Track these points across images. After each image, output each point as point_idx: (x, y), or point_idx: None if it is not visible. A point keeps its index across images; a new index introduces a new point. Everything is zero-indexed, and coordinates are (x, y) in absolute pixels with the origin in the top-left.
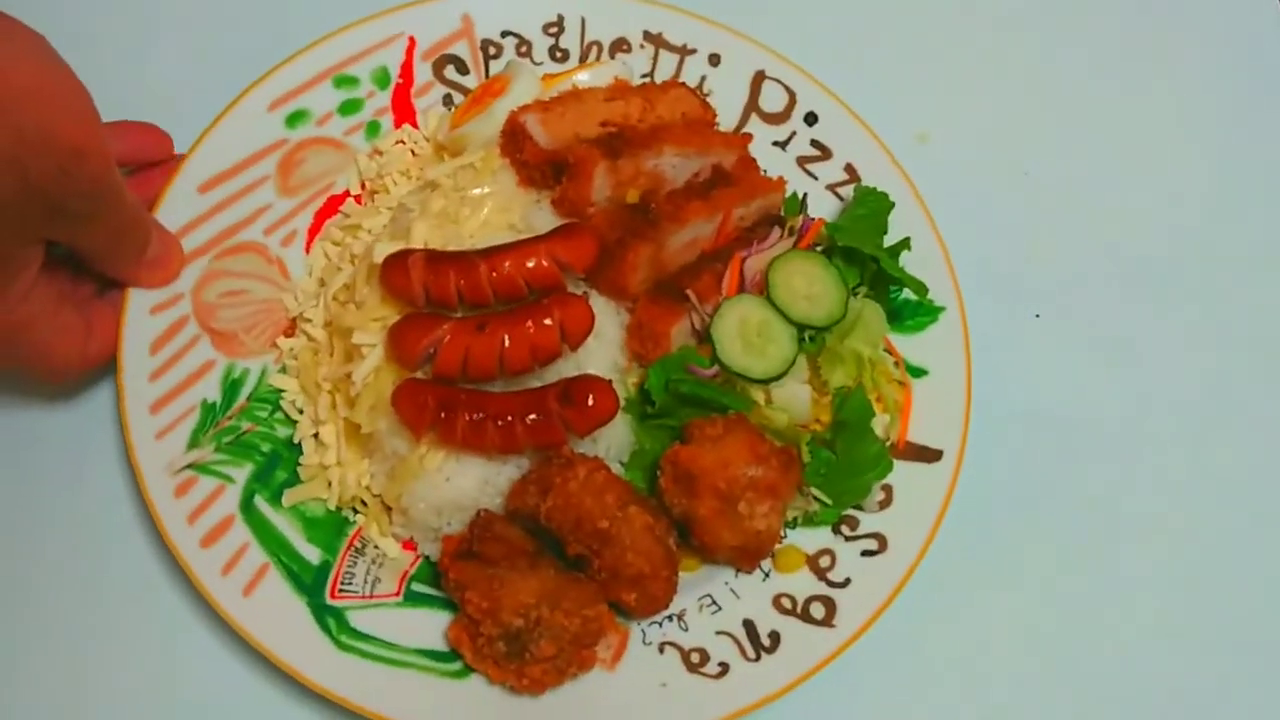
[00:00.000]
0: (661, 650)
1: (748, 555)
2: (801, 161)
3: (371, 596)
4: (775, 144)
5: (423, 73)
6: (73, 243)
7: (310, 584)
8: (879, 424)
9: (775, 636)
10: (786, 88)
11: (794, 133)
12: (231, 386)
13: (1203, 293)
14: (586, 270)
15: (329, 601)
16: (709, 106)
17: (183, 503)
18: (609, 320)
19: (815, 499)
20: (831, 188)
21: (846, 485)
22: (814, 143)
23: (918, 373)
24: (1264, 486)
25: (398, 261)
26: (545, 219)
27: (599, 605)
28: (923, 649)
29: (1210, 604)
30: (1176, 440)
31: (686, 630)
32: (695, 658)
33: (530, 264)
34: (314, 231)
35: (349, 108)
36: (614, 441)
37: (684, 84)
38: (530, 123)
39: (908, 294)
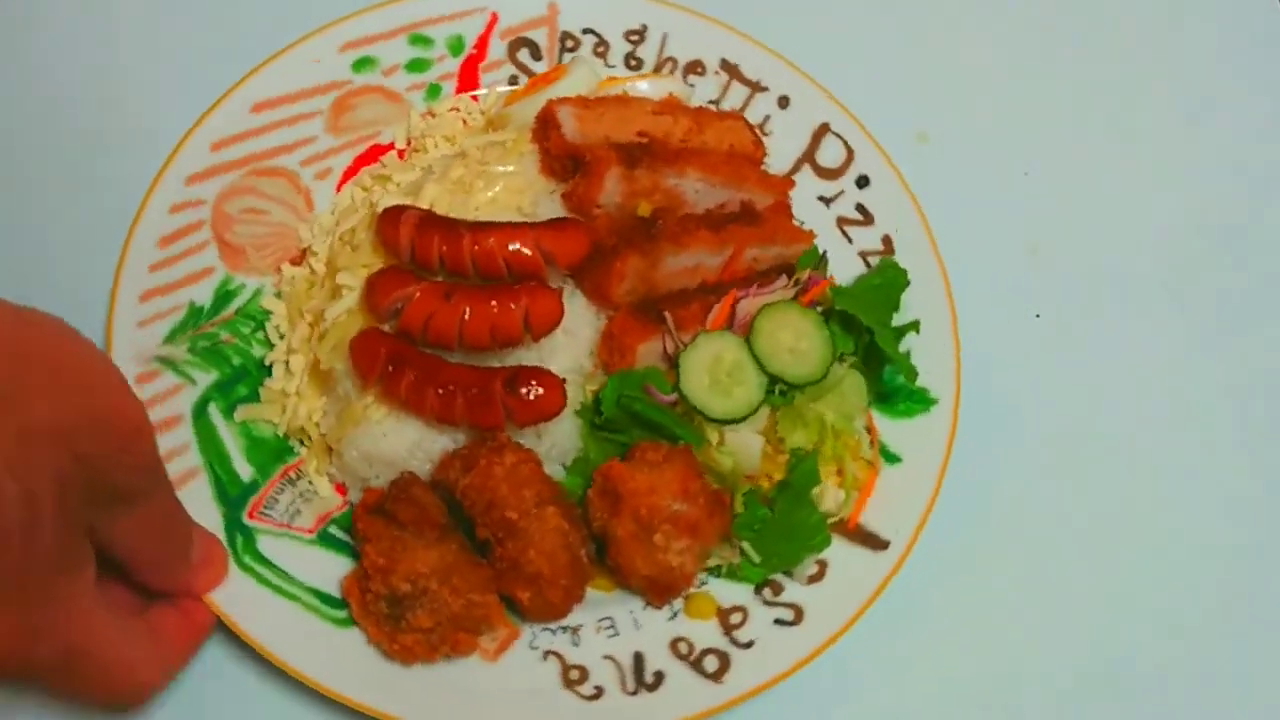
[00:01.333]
0: (545, 658)
1: (658, 588)
2: (841, 222)
3: (287, 526)
4: (821, 199)
5: (496, 49)
6: (122, 538)
7: (233, 497)
8: (835, 498)
9: (660, 677)
10: (847, 145)
11: (842, 191)
12: (224, 296)
13: (1204, 293)
14: (571, 267)
15: (245, 519)
16: (761, 145)
17: (140, 390)
18: (586, 323)
19: (743, 553)
20: (864, 255)
21: (778, 548)
22: (859, 206)
23: (892, 458)
24: (1268, 487)
25: (393, 215)
26: (553, 209)
27: (489, 594)
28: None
29: (1213, 606)
30: (1177, 441)
31: (577, 646)
32: (574, 674)
33: (513, 246)
34: (349, 174)
35: (417, 66)
36: (560, 442)
37: (741, 117)
38: (563, 114)
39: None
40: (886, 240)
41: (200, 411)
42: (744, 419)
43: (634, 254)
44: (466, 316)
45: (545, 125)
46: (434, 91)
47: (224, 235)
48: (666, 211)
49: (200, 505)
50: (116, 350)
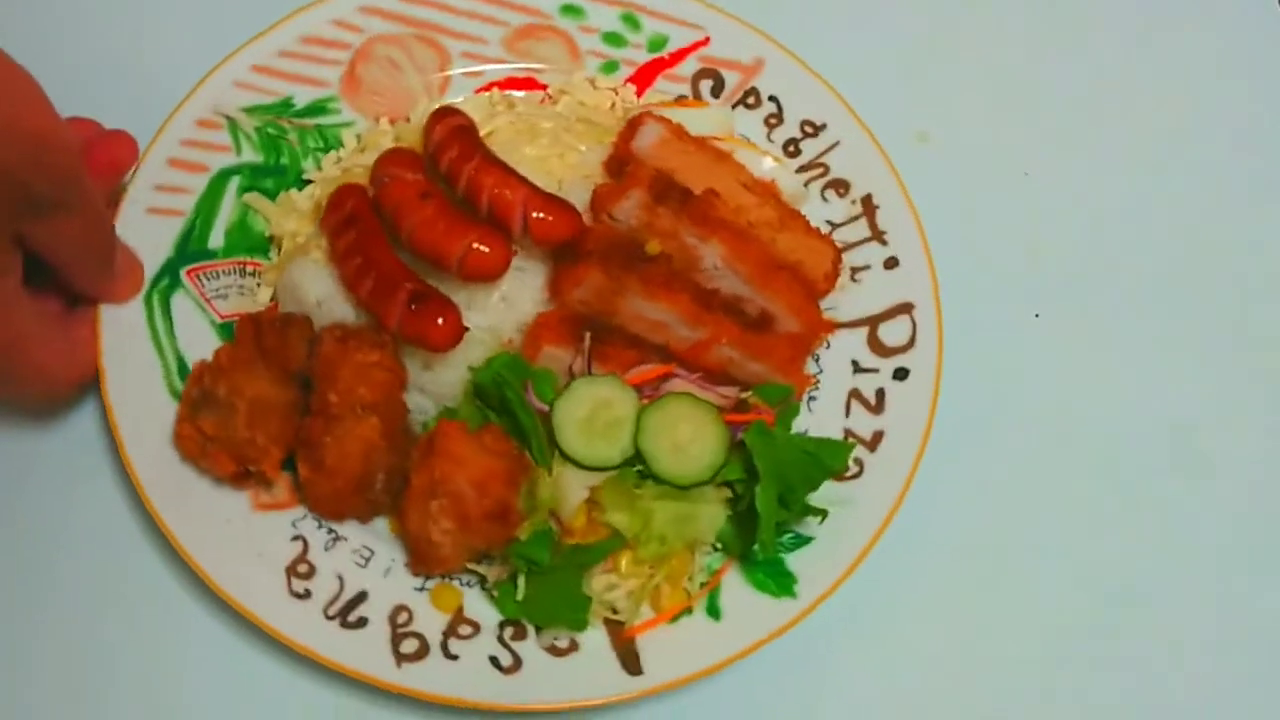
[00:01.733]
0: (293, 539)
1: (414, 554)
2: (854, 396)
3: (207, 300)
4: (854, 363)
5: (687, 67)
6: (46, 243)
7: (188, 252)
8: (622, 599)
9: (361, 623)
10: (914, 334)
11: (877, 371)
12: (318, 109)
13: (1204, 293)
14: (543, 244)
15: (182, 270)
16: (831, 281)
17: (191, 130)
18: (529, 302)
19: (514, 582)
20: (848, 433)
21: (541, 601)
22: (880, 393)
23: (715, 614)
24: (1269, 487)
25: (442, 112)
26: (577, 196)
27: (276, 447)
28: None
29: (1214, 613)
30: (1178, 441)
31: (326, 551)
32: (302, 568)
33: (500, 191)
34: (493, 86)
35: (612, 39)
36: (442, 383)
37: (835, 248)
38: (649, 126)
39: (794, 563)
40: (878, 436)
41: (223, 176)
42: (589, 470)
43: (597, 269)
44: (421, 221)
45: (629, 127)
46: (610, 67)
47: (357, 65)
48: (669, 261)
49: (160, 241)
50: (205, 89)
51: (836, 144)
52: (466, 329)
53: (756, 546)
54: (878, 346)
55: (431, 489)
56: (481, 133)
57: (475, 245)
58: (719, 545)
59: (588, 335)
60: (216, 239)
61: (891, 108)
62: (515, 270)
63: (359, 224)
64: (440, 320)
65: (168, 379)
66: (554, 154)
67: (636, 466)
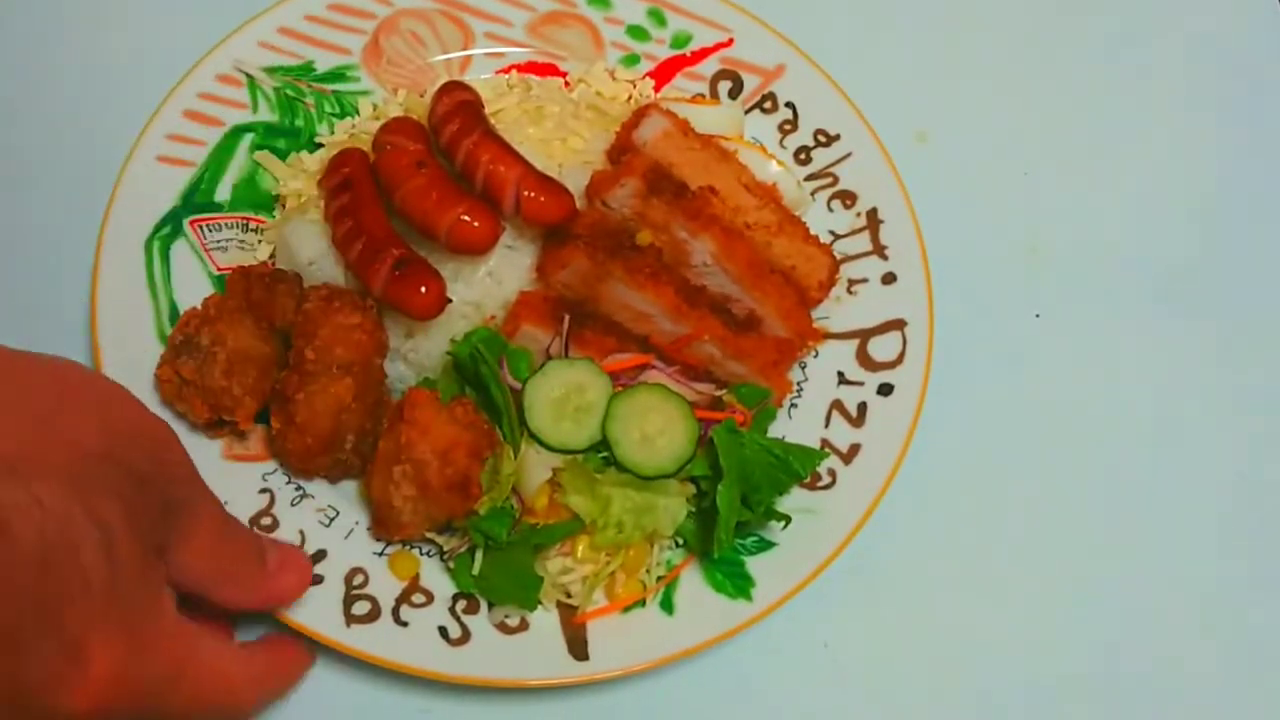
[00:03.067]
0: (260, 491)
1: (375, 517)
2: (836, 407)
3: (207, 251)
4: (839, 374)
5: (708, 66)
6: (188, 553)
7: (195, 204)
8: (575, 585)
9: (316, 580)
10: (904, 350)
11: (863, 384)
12: (338, 76)
13: (1203, 293)
14: (533, 223)
15: (185, 222)
16: (826, 289)
17: (211, 84)
18: (516, 280)
19: (470, 557)
20: (825, 442)
21: (492, 575)
22: (861, 406)
23: (668, 608)
24: (1268, 485)
25: (451, 86)
26: (575, 182)
27: (251, 397)
28: None
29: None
30: (1178, 441)
31: (293, 507)
32: (266, 521)
33: (495, 168)
34: (513, 69)
35: (636, 33)
36: (422, 352)
37: (832, 257)
38: (653, 118)
39: (753, 566)
40: (854, 449)
41: (237, 132)
42: (555, 452)
43: (583, 254)
44: (411, 190)
45: (633, 118)
46: (630, 60)
47: (380, 37)
48: (658, 253)
49: (167, 192)
50: (228, 46)
51: (848, 155)
52: (450, 300)
53: (725, 554)
54: (866, 360)
55: (396, 454)
56: (489, 111)
57: (463, 217)
58: (680, 541)
59: (566, 318)
60: (224, 193)
61: (891, 107)
62: (505, 248)
63: (354, 188)
64: (423, 289)
65: (158, 323)
66: (557, 137)
67: (602, 453)
